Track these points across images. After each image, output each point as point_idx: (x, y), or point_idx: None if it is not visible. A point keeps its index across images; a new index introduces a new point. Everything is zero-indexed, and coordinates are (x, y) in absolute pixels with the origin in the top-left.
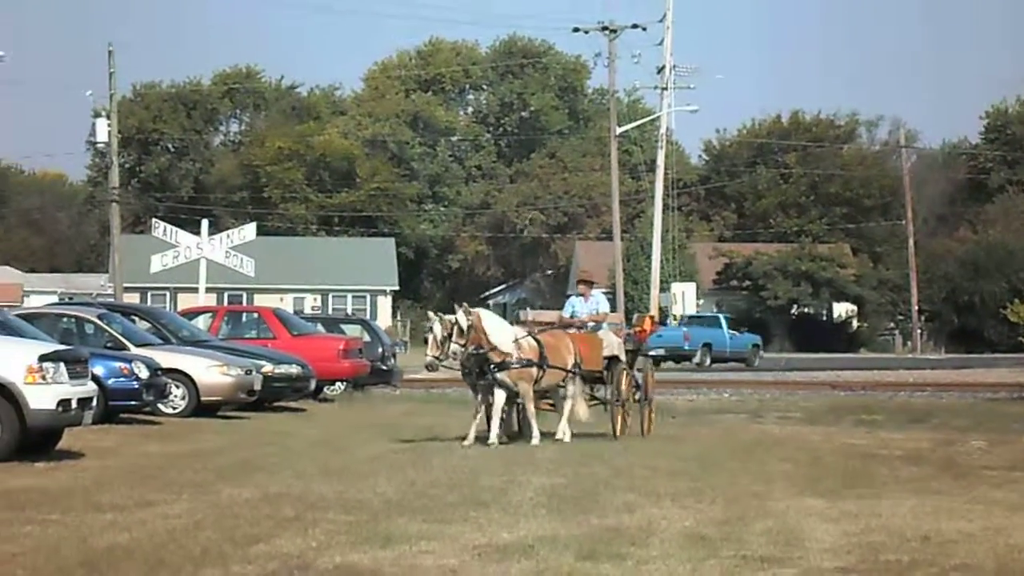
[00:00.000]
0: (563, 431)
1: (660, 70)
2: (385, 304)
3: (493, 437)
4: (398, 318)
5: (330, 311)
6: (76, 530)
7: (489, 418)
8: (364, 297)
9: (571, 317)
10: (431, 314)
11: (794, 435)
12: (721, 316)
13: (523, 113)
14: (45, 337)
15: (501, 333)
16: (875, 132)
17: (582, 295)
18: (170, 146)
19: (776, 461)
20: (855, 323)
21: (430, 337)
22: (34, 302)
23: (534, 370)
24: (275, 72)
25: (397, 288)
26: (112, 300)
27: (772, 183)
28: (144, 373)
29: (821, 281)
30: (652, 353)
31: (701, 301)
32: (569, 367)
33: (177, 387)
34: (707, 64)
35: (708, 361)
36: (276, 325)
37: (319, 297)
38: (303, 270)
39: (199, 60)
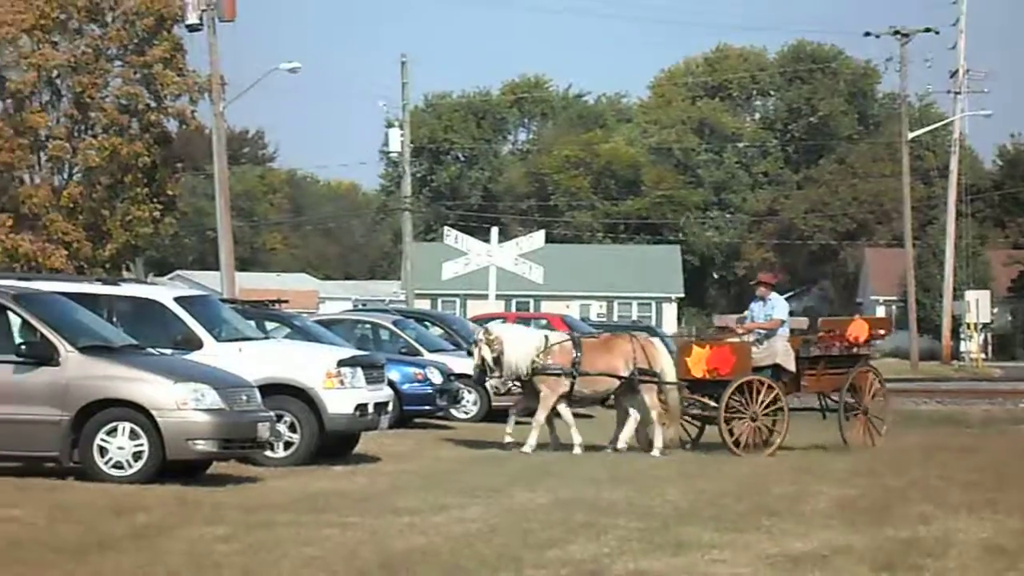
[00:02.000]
0: (623, 440)
1: (953, 74)
2: (670, 311)
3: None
4: (683, 325)
5: (615, 318)
6: (374, 533)
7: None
8: (649, 304)
9: (750, 321)
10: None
11: None
12: None
13: (811, 119)
14: (342, 343)
15: (519, 348)
16: None
17: (761, 299)
18: (460, 155)
19: None
20: None
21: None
22: (329, 309)
23: (562, 376)
24: (563, 81)
25: (682, 295)
26: (404, 306)
27: None
28: (438, 378)
29: None
30: None
31: (995, 309)
32: (620, 374)
33: (469, 392)
34: (1001, 67)
35: None
36: (565, 332)
37: (604, 304)
38: (589, 277)
39: (489, 70)
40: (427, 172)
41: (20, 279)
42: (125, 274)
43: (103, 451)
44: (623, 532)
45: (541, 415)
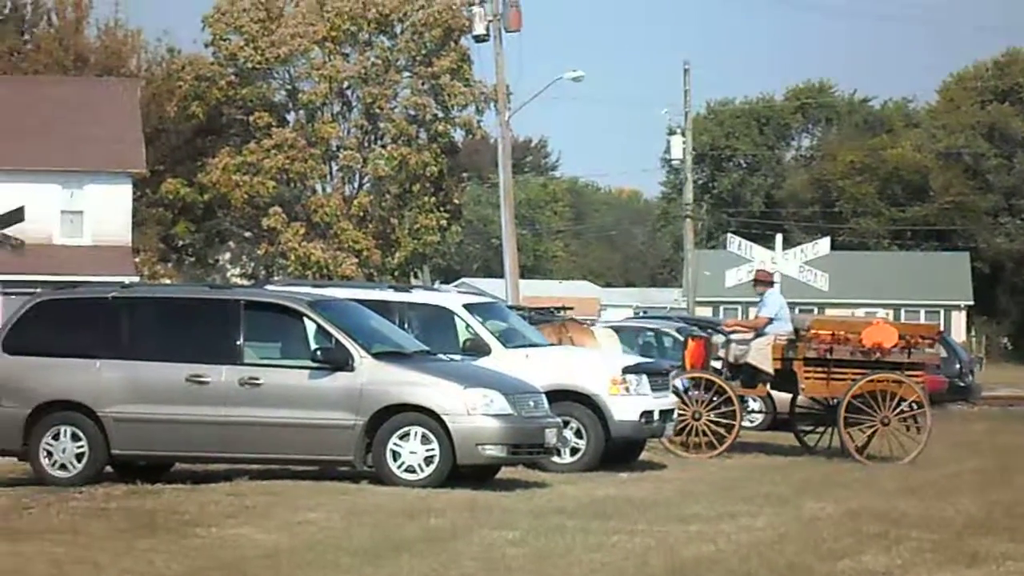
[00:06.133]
0: None
1: None
2: (959, 320)
3: None
4: (972, 334)
5: None
6: (662, 540)
7: None
8: (937, 312)
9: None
10: None
11: None
12: None
13: None
14: (627, 350)
15: None
16: None
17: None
18: (742, 162)
19: None
20: None
21: None
22: (610, 316)
23: None
24: (848, 86)
25: (971, 303)
26: (686, 314)
27: None
28: None
29: None
30: None
31: None
32: None
33: (754, 400)
34: None
35: None
36: None
37: (891, 312)
38: (874, 284)
39: (772, 76)
40: (709, 179)
41: (314, 286)
42: (413, 281)
43: (395, 455)
44: (916, 543)
45: None
